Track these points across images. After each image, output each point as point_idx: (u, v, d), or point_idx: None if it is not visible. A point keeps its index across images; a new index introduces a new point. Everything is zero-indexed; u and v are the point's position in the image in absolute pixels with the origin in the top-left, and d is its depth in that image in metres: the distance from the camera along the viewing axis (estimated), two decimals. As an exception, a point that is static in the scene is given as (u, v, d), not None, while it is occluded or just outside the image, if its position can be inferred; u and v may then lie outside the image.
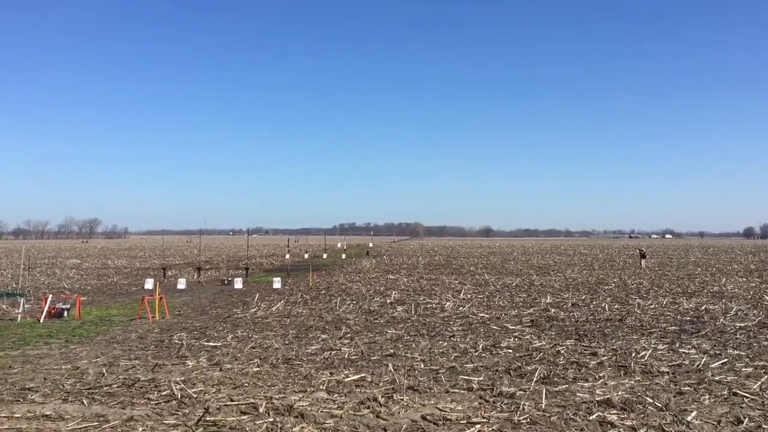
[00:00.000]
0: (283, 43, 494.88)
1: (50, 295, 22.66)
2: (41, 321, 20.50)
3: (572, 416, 9.72)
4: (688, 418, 9.59)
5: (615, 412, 9.94)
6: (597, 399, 10.63)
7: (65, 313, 21.67)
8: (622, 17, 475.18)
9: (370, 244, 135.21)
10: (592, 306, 24.53)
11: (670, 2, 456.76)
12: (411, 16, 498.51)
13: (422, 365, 13.59)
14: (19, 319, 20.94)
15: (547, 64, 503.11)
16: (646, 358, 14.20)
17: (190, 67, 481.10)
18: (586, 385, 11.74)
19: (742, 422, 9.43)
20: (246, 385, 11.80)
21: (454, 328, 18.94)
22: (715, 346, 15.91)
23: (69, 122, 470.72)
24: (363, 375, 12.51)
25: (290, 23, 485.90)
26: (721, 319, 20.57)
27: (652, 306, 24.30)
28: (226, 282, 36.53)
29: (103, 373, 12.72)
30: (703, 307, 23.74)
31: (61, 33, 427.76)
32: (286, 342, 16.58)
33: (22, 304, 22.01)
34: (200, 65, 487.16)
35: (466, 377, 12.36)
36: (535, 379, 12.10)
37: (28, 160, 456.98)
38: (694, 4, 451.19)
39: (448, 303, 25.28)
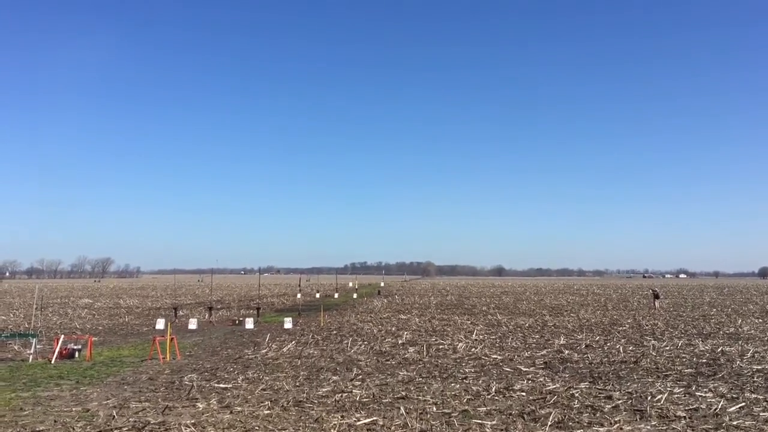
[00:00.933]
0: (293, 85, 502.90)
1: (62, 336, 22.69)
2: (52, 362, 20.50)
3: (587, 462, 9.55)
4: (707, 465, 9.39)
5: (631, 458, 9.76)
6: (612, 444, 10.44)
7: (76, 354, 21.68)
8: (634, 58, 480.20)
9: (382, 284, 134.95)
10: (606, 347, 24.23)
11: (681, 45, 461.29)
12: (426, 59, 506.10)
13: (434, 408, 13.44)
14: (30, 360, 20.97)
15: (556, 105, 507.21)
16: (662, 402, 13.98)
17: (200, 109, 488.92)
18: (601, 429, 11.55)
19: (762, 469, 9.22)
20: (256, 428, 11.70)
21: (467, 370, 18.76)
22: (732, 389, 15.65)
23: (81, 163, 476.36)
24: (374, 418, 12.38)
25: (299, 63, 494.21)
26: (738, 362, 20.26)
27: (668, 348, 23.99)
28: (237, 322, 36.46)
29: (113, 416, 12.67)
30: (720, 349, 23.41)
31: (71, 75, 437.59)
32: (297, 384, 16.47)
33: (33, 345, 22.04)
34: (211, 107, 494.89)
35: (479, 421, 12.20)
36: (549, 423, 11.93)
37: (42, 200, 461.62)
38: (710, 43, 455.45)
39: (460, 344, 25.07)
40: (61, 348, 21.39)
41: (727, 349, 23.61)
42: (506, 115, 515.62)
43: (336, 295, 77.29)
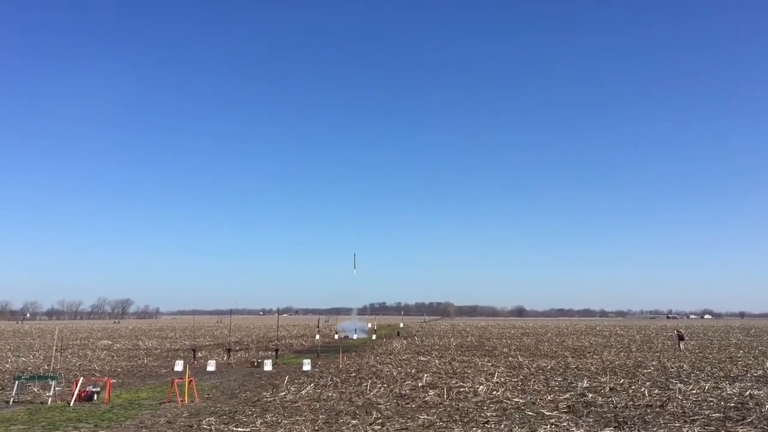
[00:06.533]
0: (308, 128, 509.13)
1: (81, 378, 22.69)
2: (71, 404, 20.48)
3: None
4: None
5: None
6: (640, 493, 10.13)
7: (95, 396, 21.65)
8: (660, 97, 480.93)
9: (401, 324, 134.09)
10: (630, 391, 23.71)
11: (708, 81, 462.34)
12: (448, 97, 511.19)
13: (455, 454, 13.16)
14: (49, 403, 20.96)
15: (576, 146, 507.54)
16: (690, 448, 13.58)
17: (219, 153, 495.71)
18: (627, 477, 11.22)
19: None
20: (274, 474, 11.52)
21: (488, 414, 18.41)
22: (763, 435, 15.19)
23: (101, 205, 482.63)
24: (394, 464, 12.14)
25: (315, 103, 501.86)
26: (767, 406, 19.73)
27: (694, 391, 23.41)
28: (255, 364, 36.30)
29: (131, 460, 12.55)
30: (748, 393, 22.81)
31: (83, 122, 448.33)
32: (316, 428, 16.26)
33: (52, 387, 22.06)
34: (229, 151, 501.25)
35: (502, 467, 11.92)
36: (573, 470, 11.62)
37: (62, 242, 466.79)
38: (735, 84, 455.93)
39: (481, 387, 24.68)
40: (80, 390, 21.38)
41: (756, 392, 23.02)
42: (527, 158, 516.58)
43: (355, 336, 76.81)
